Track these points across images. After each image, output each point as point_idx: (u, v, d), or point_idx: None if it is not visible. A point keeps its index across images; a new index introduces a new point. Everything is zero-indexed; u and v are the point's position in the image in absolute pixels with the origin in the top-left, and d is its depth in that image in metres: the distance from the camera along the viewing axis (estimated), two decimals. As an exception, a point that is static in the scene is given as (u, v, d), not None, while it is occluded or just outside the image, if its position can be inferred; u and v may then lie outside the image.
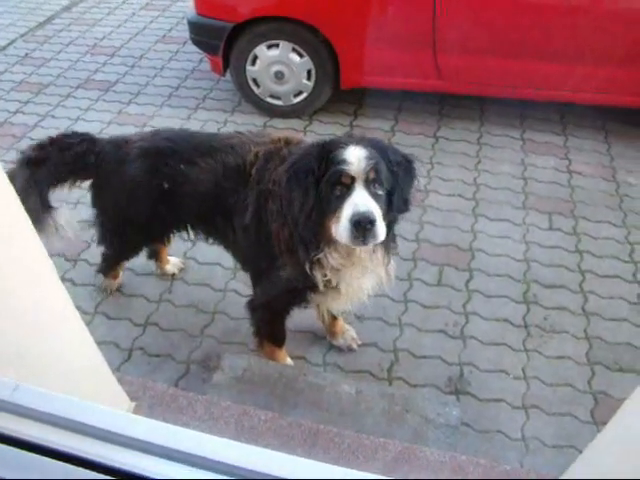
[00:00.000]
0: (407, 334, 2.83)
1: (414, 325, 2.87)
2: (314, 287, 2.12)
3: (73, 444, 0.59)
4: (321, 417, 2.26)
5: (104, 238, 2.76)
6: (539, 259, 3.24)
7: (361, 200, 1.81)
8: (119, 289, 3.09)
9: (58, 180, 2.51)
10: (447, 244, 3.35)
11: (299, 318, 2.77)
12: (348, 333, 2.73)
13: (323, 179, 1.86)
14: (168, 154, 2.36)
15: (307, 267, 2.03)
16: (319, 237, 1.96)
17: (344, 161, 1.83)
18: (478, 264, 3.21)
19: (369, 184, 1.85)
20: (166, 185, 2.38)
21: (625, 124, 4.37)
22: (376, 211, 1.80)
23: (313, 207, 1.90)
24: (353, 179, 1.83)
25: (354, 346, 2.72)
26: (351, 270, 2.07)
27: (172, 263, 3.21)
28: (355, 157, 1.84)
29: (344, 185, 1.84)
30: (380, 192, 1.88)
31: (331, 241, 1.95)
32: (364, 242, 1.83)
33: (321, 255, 2.00)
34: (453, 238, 3.39)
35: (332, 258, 2.00)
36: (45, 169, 2.43)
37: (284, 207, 2.03)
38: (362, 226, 1.77)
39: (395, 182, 1.93)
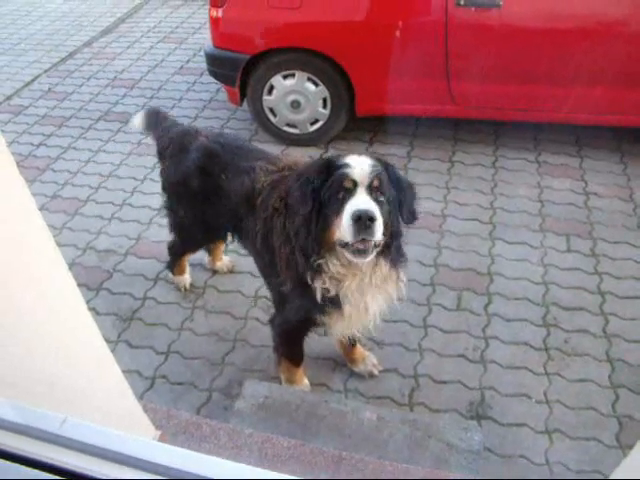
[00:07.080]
0: (427, 359, 2.83)
1: (434, 350, 2.87)
2: (319, 306, 2.10)
3: (117, 474, 0.62)
4: (343, 444, 2.26)
5: (171, 224, 2.94)
6: (558, 281, 3.23)
7: (363, 200, 1.82)
8: (190, 289, 3.28)
9: None
10: (465, 268, 3.36)
11: (320, 346, 2.80)
12: (369, 359, 2.73)
13: (326, 184, 1.89)
14: (215, 159, 2.51)
15: (308, 276, 2.02)
16: (320, 243, 1.96)
17: (347, 165, 1.88)
18: (497, 288, 3.21)
19: (371, 191, 1.86)
20: (211, 187, 2.53)
21: (641, 144, 4.37)
22: (377, 212, 1.80)
23: (312, 212, 1.91)
24: (355, 184, 1.85)
25: (375, 372, 2.72)
26: (352, 282, 2.04)
27: (224, 261, 3.37)
28: (358, 163, 1.88)
29: (346, 190, 1.86)
30: (382, 199, 1.88)
31: (332, 248, 1.95)
32: (364, 250, 1.84)
33: (322, 261, 1.98)
34: (471, 262, 3.40)
35: (332, 265, 1.98)
36: None
37: (287, 221, 2.07)
38: (362, 222, 1.76)
39: (400, 192, 1.98)
